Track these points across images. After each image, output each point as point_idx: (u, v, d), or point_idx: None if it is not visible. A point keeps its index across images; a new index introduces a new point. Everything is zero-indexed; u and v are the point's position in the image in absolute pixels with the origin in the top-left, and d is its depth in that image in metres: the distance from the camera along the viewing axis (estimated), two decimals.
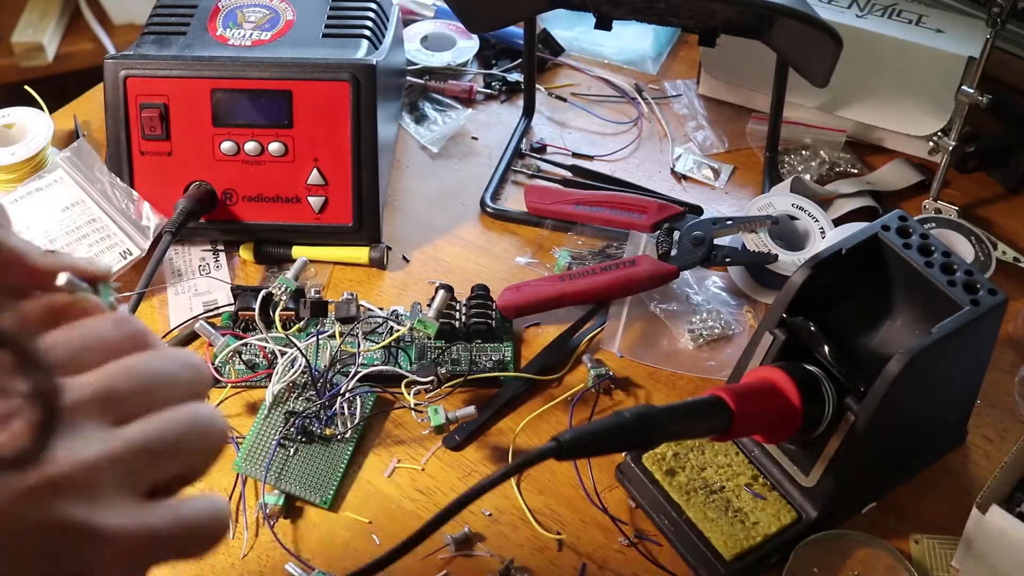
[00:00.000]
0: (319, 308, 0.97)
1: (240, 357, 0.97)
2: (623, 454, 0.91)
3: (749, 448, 0.90)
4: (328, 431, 0.93)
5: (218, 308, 1.03)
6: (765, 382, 0.83)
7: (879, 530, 0.87)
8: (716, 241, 1.03)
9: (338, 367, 0.96)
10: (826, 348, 0.85)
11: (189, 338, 1.02)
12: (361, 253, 1.08)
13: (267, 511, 0.89)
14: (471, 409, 0.93)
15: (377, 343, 0.98)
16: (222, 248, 1.09)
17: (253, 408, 0.96)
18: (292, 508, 0.90)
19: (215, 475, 0.92)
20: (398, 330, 0.98)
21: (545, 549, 0.88)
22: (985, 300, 0.83)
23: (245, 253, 1.08)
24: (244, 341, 0.96)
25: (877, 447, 0.85)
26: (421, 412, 0.94)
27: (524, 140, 1.22)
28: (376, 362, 0.97)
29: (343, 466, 0.92)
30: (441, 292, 0.98)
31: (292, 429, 0.92)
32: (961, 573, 0.84)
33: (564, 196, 1.12)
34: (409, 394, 0.93)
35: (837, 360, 0.84)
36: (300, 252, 1.07)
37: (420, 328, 0.95)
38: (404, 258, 1.09)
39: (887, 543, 0.86)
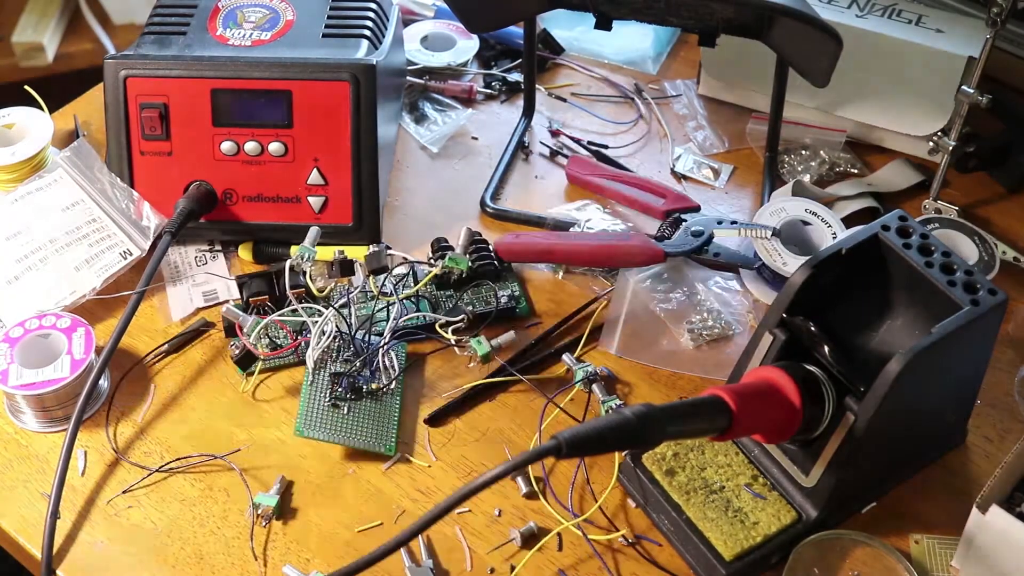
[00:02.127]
0: (347, 268, 1.00)
1: (267, 335, 0.99)
2: (623, 453, 0.91)
3: (749, 448, 0.90)
4: (374, 385, 0.95)
5: (219, 302, 1.04)
6: (765, 382, 0.83)
7: (879, 530, 0.88)
8: (716, 240, 1.03)
9: (369, 325, 0.99)
10: (826, 348, 0.85)
11: (195, 335, 1.02)
12: (361, 253, 1.08)
13: (259, 511, 0.89)
14: (511, 334, 0.99)
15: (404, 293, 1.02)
16: (219, 249, 1.09)
17: (289, 380, 0.98)
18: (290, 509, 0.90)
19: (214, 475, 0.92)
20: (429, 272, 1.02)
21: (545, 548, 0.88)
22: (985, 300, 0.83)
23: (244, 253, 1.08)
24: (281, 313, 0.98)
25: (877, 447, 0.85)
26: (463, 348, 0.99)
27: (527, 137, 1.22)
28: (403, 316, 1.00)
29: (396, 415, 0.96)
30: (465, 229, 1.04)
31: (340, 389, 0.94)
32: (961, 573, 0.84)
33: (600, 170, 1.15)
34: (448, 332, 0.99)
35: (837, 360, 0.84)
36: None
37: (452, 265, 1.01)
38: (404, 258, 1.09)
39: (887, 543, 0.86)
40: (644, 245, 1.03)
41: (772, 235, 1.03)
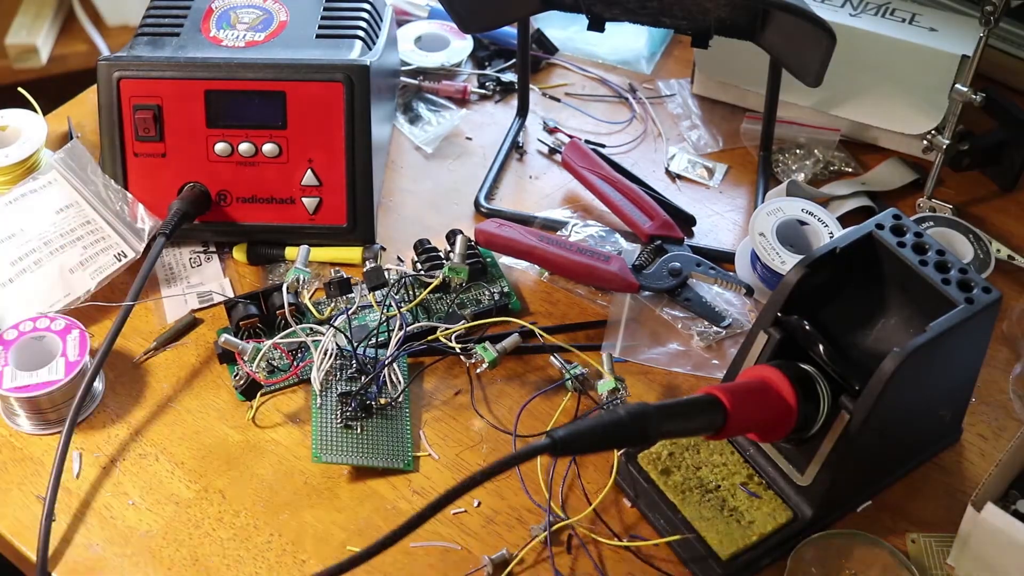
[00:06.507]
0: (344, 286, 1.00)
1: (267, 361, 0.98)
2: (618, 452, 0.91)
3: (744, 447, 0.90)
4: (382, 400, 0.95)
5: (212, 304, 1.04)
6: (760, 381, 0.83)
7: (874, 529, 0.88)
8: (691, 283, 1.03)
9: (370, 340, 0.98)
10: (821, 347, 0.85)
11: (186, 328, 1.02)
12: (355, 254, 1.08)
13: None
14: (515, 336, 0.98)
15: (405, 304, 1.02)
16: (213, 250, 1.09)
17: (293, 405, 0.97)
18: (286, 510, 0.90)
19: (210, 477, 0.92)
20: (431, 281, 1.02)
21: (542, 548, 0.88)
22: (979, 298, 0.83)
23: (238, 254, 1.08)
24: (281, 336, 0.97)
25: (872, 446, 0.85)
26: (469, 356, 0.98)
27: (521, 137, 1.22)
28: (405, 327, 0.99)
29: (407, 428, 0.95)
30: (459, 237, 1.03)
31: (350, 409, 0.94)
32: (957, 571, 0.84)
33: (598, 165, 1.13)
34: (451, 341, 0.98)
35: (832, 359, 0.84)
36: (294, 252, 1.07)
37: (451, 275, 1.01)
38: (398, 259, 1.09)
39: (885, 542, 0.86)
40: (620, 274, 1.02)
41: (745, 293, 1.02)
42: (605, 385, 0.95)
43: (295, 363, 0.98)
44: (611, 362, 0.96)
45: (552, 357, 0.99)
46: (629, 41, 1.34)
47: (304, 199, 1.06)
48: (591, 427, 0.72)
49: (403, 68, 1.28)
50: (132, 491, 0.92)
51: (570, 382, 0.97)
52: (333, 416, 0.94)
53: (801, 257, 0.89)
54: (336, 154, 1.05)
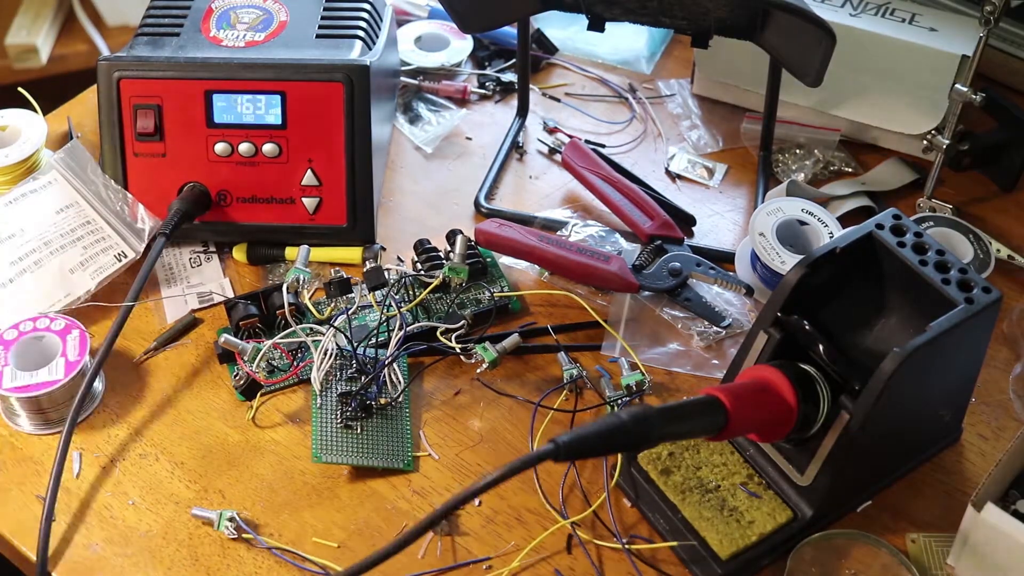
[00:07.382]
0: (344, 286, 1.00)
1: (267, 361, 0.98)
2: (619, 453, 0.91)
3: (744, 447, 0.90)
4: (382, 400, 0.95)
5: (212, 304, 1.04)
6: (760, 381, 0.83)
7: (874, 528, 0.88)
8: (691, 282, 1.03)
9: (370, 340, 0.98)
10: (821, 347, 0.85)
11: (186, 328, 1.03)
12: (355, 254, 1.08)
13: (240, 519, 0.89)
14: (515, 336, 0.98)
15: (405, 304, 1.02)
16: (213, 250, 1.09)
17: (293, 405, 0.97)
18: (286, 509, 0.90)
19: (210, 476, 0.92)
20: (431, 282, 1.02)
21: (540, 548, 0.88)
22: (979, 298, 0.83)
23: (238, 254, 1.08)
24: (281, 337, 0.97)
25: (872, 445, 0.85)
26: (469, 356, 0.98)
27: (521, 137, 1.22)
28: (405, 327, 0.99)
29: (407, 428, 0.95)
30: (459, 237, 1.02)
31: (351, 409, 0.94)
32: (956, 571, 0.84)
33: (597, 165, 1.13)
34: (451, 341, 0.98)
35: (832, 359, 0.84)
36: (294, 252, 1.07)
37: (451, 275, 1.01)
38: (398, 259, 1.09)
39: (885, 542, 0.86)
40: (620, 273, 1.02)
41: (745, 292, 1.02)
42: (632, 377, 0.96)
43: (295, 363, 0.98)
44: (627, 358, 0.97)
45: (561, 355, 0.99)
46: (629, 41, 1.34)
47: (304, 199, 1.06)
48: (594, 432, 0.71)
49: (403, 68, 1.28)
50: (132, 491, 0.92)
51: (569, 378, 0.97)
52: (333, 416, 0.94)
53: (801, 257, 0.89)
54: (336, 154, 1.05)
